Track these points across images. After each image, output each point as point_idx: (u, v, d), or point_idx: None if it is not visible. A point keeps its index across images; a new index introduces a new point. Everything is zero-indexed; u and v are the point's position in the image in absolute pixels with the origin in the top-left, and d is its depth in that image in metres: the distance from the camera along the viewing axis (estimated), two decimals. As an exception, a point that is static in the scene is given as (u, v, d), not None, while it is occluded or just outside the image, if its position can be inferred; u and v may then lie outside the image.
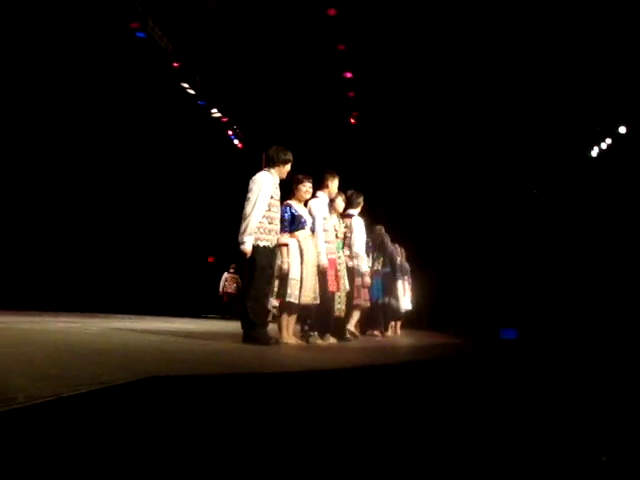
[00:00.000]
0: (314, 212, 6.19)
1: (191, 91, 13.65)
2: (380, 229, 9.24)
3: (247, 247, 5.02)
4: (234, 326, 8.30)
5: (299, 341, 5.74)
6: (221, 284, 16.49)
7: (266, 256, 5.16)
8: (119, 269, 14.00)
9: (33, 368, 2.41)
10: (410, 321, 11.95)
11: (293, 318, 5.77)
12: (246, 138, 16.67)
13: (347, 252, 7.11)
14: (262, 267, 5.12)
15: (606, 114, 12.83)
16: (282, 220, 5.59)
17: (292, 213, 5.76)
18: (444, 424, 2.18)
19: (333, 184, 6.66)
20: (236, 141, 16.68)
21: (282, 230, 5.56)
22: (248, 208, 5.10)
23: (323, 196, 6.53)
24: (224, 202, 15.59)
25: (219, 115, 15.23)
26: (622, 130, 12.73)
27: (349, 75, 12.74)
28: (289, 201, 5.85)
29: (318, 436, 1.83)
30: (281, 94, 13.74)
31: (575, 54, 11.02)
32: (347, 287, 6.81)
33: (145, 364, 2.93)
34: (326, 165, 7.07)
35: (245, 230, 5.04)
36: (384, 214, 11.12)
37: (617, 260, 13.08)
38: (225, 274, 16.53)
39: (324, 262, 5.99)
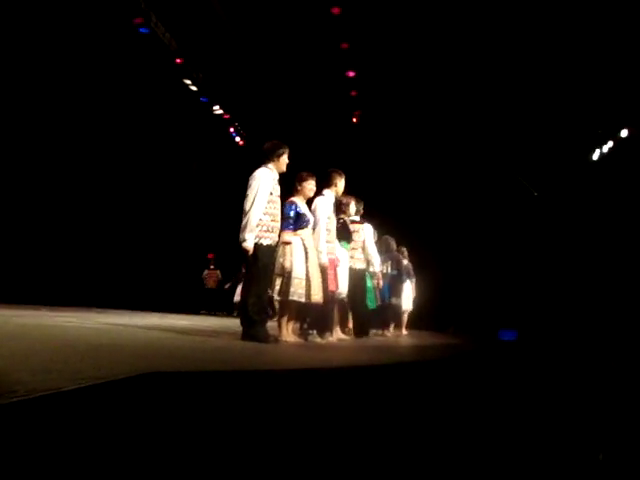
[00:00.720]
0: (319, 210, 6.21)
1: (193, 88, 13.66)
2: (386, 237, 9.77)
3: (249, 245, 4.98)
4: (232, 323, 8.31)
5: (298, 339, 5.74)
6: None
7: (268, 254, 5.15)
8: (117, 264, 13.97)
9: (33, 362, 2.41)
10: (411, 321, 12.02)
11: (292, 316, 5.77)
12: (248, 135, 16.67)
13: (359, 255, 7.53)
14: (264, 265, 5.10)
15: (608, 117, 12.82)
16: (287, 218, 5.58)
17: (297, 211, 5.72)
18: (441, 425, 2.18)
19: (341, 183, 6.72)
20: (237, 138, 16.69)
21: (285, 228, 5.54)
22: (247, 205, 5.06)
23: (330, 195, 6.55)
24: (225, 199, 15.59)
25: (221, 112, 15.24)
26: (624, 134, 12.73)
27: (352, 74, 12.73)
28: (293, 199, 5.82)
29: (316, 434, 1.83)
30: (284, 92, 13.73)
31: (577, 56, 11.02)
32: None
33: (144, 359, 2.93)
34: (327, 163, 7.08)
35: (246, 227, 5.00)
36: (385, 213, 11.12)
37: (617, 263, 13.08)
38: (205, 271, 16.82)
39: (324, 261, 6.02)
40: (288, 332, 5.64)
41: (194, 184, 16.78)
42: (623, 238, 12.91)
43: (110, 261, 13.78)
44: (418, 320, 13.09)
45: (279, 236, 5.41)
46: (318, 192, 6.31)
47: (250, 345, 4.63)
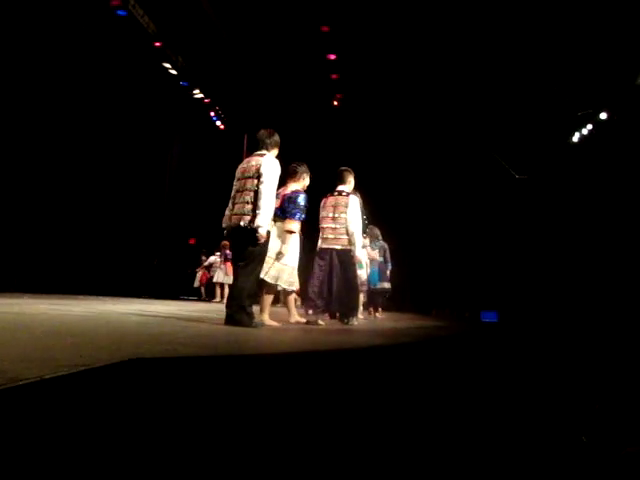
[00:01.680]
0: (357, 209, 6.68)
1: (173, 71, 13.50)
2: (372, 227, 10.64)
3: (265, 232, 4.99)
4: (214, 308, 8.30)
5: (277, 323, 5.80)
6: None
7: (267, 241, 5.17)
8: (98, 251, 13.86)
9: (15, 350, 2.38)
10: (394, 303, 12.20)
11: (271, 301, 5.96)
12: (228, 120, 16.57)
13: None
14: (262, 251, 5.13)
15: (588, 100, 12.91)
16: (298, 206, 5.73)
17: (307, 203, 5.90)
18: (430, 404, 2.20)
19: (353, 181, 7.03)
20: (218, 122, 16.58)
21: (293, 216, 5.68)
22: (268, 194, 5.00)
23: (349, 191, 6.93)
24: (206, 183, 15.52)
25: (201, 96, 15.12)
26: (603, 116, 12.84)
27: (333, 57, 12.67)
28: (299, 188, 5.96)
29: (301, 418, 1.83)
30: (264, 76, 13.64)
31: (556, 40, 11.05)
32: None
33: (128, 346, 2.91)
34: (309, 147, 7.16)
35: (266, 215, 4.97)
36: (364, 196, 11.15)
37: (596, 243, 13.23)
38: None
39: (360, 255, 6.93)
40: (267, 317, 5.73)
41: (175, 169, 16.66)
42: (602, 219, 13.06)
43: (91, 247, 13.65)
44: (400, 302, 13.21)
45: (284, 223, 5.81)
46: (325, 188, 6.79)
47: (234, 329, 4.63)
